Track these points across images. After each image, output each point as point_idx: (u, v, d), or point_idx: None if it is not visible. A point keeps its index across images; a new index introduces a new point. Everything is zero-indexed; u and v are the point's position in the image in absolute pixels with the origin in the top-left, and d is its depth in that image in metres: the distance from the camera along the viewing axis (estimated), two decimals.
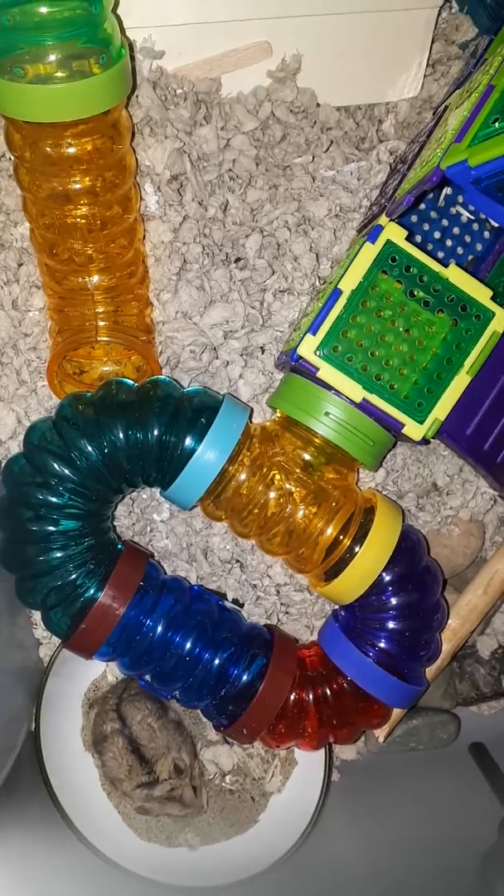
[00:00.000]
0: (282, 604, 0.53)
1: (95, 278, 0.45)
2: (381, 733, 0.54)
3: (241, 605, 0.53)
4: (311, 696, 0.49)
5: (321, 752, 0.53)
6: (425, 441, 0.46)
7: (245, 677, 0.47)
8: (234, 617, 0.50)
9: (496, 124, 0.34)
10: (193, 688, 0.47)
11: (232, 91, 0.50)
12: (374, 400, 0.44)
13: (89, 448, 0.44)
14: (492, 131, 0.34)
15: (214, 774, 0.55)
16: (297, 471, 0.47)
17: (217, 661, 0.47)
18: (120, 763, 0.52)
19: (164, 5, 0.46)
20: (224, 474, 0.45)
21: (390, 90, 0.52)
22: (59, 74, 0.38)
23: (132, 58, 0.47)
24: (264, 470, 0.46)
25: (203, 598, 0.49)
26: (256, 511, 0.47)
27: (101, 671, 0.55)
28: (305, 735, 0.49)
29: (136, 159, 0.47)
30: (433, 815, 0.52)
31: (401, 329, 0.44)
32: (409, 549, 0.48)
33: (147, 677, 0.48)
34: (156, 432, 0.44)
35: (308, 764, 0.55)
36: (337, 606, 0.51)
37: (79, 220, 0.43)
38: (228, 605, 0.52)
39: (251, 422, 0.49)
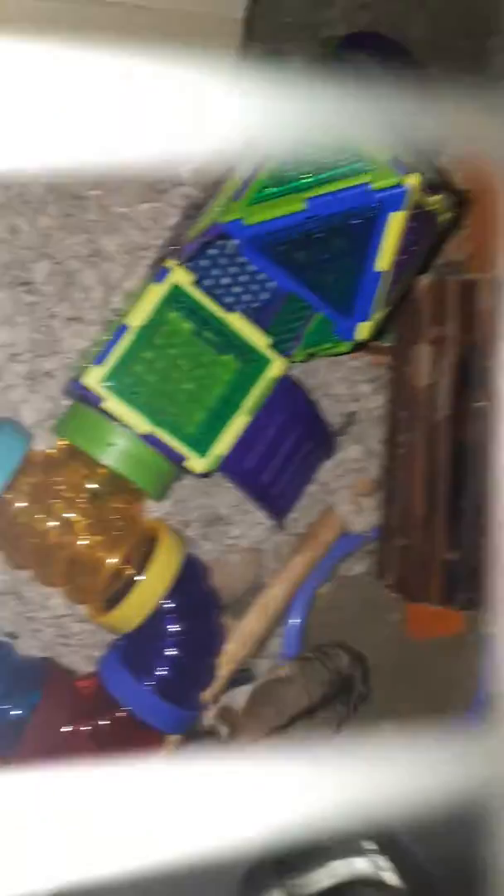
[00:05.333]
0: (61, 635, 0.52)
1: None
2: None
3: (16, 638, 0.51)
4: (86, 729, 0.48)
5: None
6: (207, 474, 0.48)
7: (15, 713, 0.46)
8: (5, 652, 0.48)
9: (270, 189, 0.37)
10: None
11: None
12: (160, 433, 0.45)
13: None
14: (266, 195, 0.37)
15: None
16: (81, 500, 0.47)
17: None
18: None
19: None
20: (0, 502, 0.44)
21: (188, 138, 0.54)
22: None
23: None
24: (45, 498, 0.46)
25: None
26: (36, 541, 0.46)
27: None
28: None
29: None
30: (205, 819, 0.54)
31: (186, 368, 0.45)
32: (190, 577, 0.50)
33: None
34: None
35: None
36: (117, 637, 0.51)
37: None
38: (1, 639, 0.50)
39: (33, 448, 0.48)
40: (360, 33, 0.56)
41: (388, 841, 0.58)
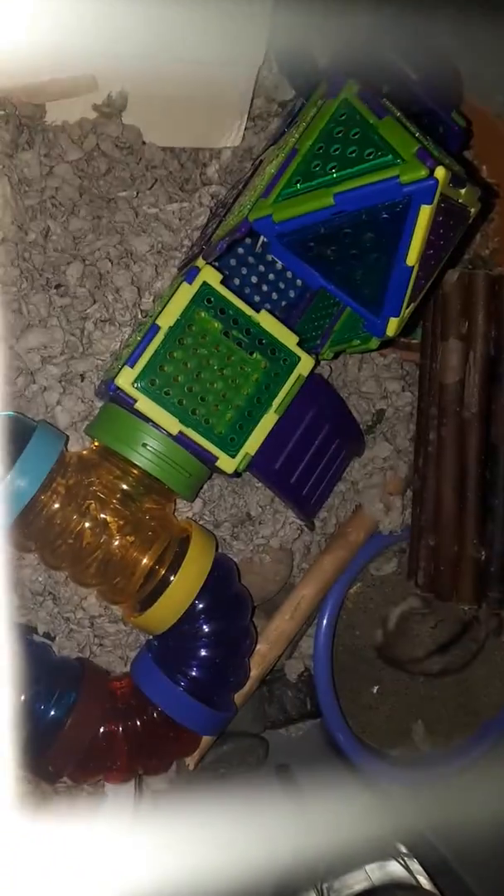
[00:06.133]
0: (96, 636, 0.53)
1: None
2: (191, 761, 0.54)
3: (53, 639, 0.52)
4: (121, 729, 0.48)
5: (130, 784, 0.53)
6: (237, 474, 0.48)
7: (53, 713, 0.46)
8: (43, 652, 0.48)
9: (298, 185, 0.37)
10: None
11: (56, 119, 0.50)
12: (190, 433, 0.45)
13: None
14: (294, 191, 0.37)
15: None
16: (115, 501, 0.47)
17: (22, 698, 0.45)
18: None
19: None
20: (36, 503, 0.44)
21: (214, 137, 0.55)
22: None
23: None
24: (80, 499, 0.46)
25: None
26: (71, 541, 0.46)
27: None
28: (115, 769, 0.49)
29: None
30: (239, 839, 0.54)
31: (216, 367, 0.45)
32: (221, 577, 0.50)
33: None
34: None
35: (117, 795, 0.54)
36: (151, 637, 0.51)
37: None
38: (38, 639, 0.50)
39: (67, 450, 0.48)
40: None
41: (421, 845, 0.57)
